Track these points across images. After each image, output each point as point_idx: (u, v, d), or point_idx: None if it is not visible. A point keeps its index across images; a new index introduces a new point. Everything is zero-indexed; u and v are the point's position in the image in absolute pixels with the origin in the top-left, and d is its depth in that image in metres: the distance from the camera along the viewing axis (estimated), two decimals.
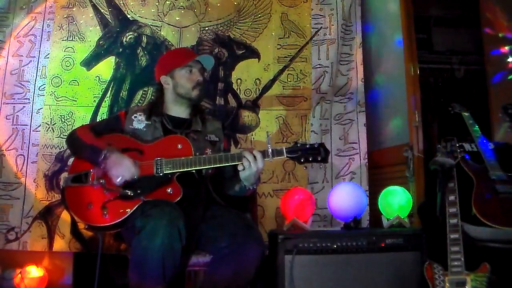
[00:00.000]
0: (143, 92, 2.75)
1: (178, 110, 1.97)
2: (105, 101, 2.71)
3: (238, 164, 1.69)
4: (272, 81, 2.83)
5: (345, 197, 2.33)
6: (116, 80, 2.75)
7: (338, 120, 2.85)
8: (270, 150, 1.69)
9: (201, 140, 1.91)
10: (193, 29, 2.85)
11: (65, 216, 2.50)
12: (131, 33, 2.80)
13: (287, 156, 1.71)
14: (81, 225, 1.81)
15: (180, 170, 1.71)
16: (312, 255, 1.90)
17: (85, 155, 1.77)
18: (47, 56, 2.72)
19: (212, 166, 1.71)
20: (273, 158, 1.70)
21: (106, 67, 2.76)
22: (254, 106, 2.80)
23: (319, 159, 1.70)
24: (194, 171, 1.75)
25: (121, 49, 2.78)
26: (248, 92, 2.82)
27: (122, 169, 1.66)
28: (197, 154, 1.78)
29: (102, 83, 2.74)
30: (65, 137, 2.47)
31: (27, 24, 2.75)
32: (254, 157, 1.67)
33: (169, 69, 1.94)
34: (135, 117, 1.92)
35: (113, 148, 1.72)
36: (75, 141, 1.83)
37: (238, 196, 1.86)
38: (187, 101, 1.95)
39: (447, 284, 1.63)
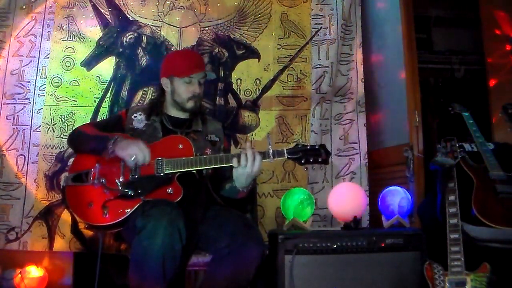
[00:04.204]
0: (143, 92, 2.75)
1: (177, 112, 1.97)
2: (105, 101, 2.71)
3: (233, 160, 1.67)
4: (272, 81, 2.83)
5: (345, 197, 2.33)
6: (116, 80, 2.75)
7: (338, 120, 2.85)
8: (271, 151, 1.69)
9: (201, 140, 1.91)
10: (193, 29, 2.85)
11: (65, 216, 2.51)
12: (131, 33, 2.80)
13: (288, 157, 1.71)
14: (81, 225, 1.81)
15: (180, 170, 1.70)
16: (312, 255, 1.91)
17: (90, 146, 1.75)
18: (47, 56, 2.72)
19: (213, 166, 1.70)
20: (273, 159, 1.69)
21: (106, 67, 2.75)
22: (254, 106, 2.80)
23: (320, 160, 1.70)
24: (194, 171, 1.75)
25: (121, 49, 2.78)
26: (248, 92, 2.82)
27: (135, 148, 1.64)
28: (198, 154, 1.78)
29: (102, 83, 2.74)
30: (66, 137, 2.50)
31: (27, 24, 2.74)
32: (254, 158, 1.66)
33: (169, 74, 1.94)
34: (135, 116, 1.92)
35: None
36: (79, 136, 1.82)
37: (229, 197, 1.86)
38: (182, 109, 1.95)
39: (447, 284, 1.63)
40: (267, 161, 1.69)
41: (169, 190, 1.70)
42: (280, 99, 2.83)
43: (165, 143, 1.81)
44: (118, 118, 1.96)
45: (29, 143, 2.62)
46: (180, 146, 1.78)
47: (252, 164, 1.65)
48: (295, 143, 1.74)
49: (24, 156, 2.61)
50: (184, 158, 1.72)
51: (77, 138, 1.84)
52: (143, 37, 2.81)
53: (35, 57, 2.72)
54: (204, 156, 1.75)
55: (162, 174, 1.70)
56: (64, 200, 1.74)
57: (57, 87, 2.70)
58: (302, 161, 1.70)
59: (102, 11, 2.80)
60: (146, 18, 2.83)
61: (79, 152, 1.83)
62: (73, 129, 1.92)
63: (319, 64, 2.87)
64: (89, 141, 1.76)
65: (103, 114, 2.69)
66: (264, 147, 1.72)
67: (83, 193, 1.71)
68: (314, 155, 1.70)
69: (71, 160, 1.89)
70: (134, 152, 1.64)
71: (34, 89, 2.69)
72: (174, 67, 1.93)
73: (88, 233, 2.44)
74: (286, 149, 1.71)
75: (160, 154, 1.73)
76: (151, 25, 2.82)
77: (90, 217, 1.68)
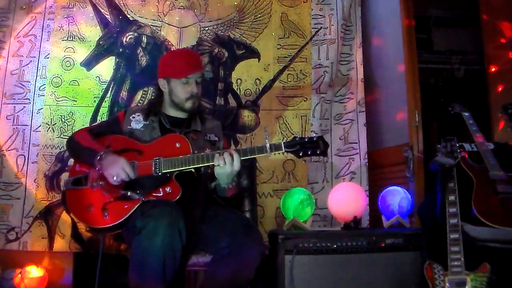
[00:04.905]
0: (143, 92, 2.75)
1: (175, 112, 1.96)
2: (105, 101, 2.72)
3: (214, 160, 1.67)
4: (272, 81, 2.83)
5: (345, 197, 2.33)
6: (116, 80, 2.75)
7: (338, 120, 2.85)
8: (268, 145, 1.67)
9: (201, 140, 1.90)
10: (193, 29, 2.85)
11: (66, 216, 2.50)
12: (131, 33, 2.80)
13: (285, 151, 1.68)
14: (81, 227, 1.81)
15: (178, 169, 1.70)
16: (312, 255, 1.91)
17: (83, 157, 1.78)
18: (47, 56, 2.72)
19: (210, 163, 1.69)
20: (271, 153, 1.67)
21: (106, 67, 2.75)
22: (254, 106, 2.80)
23: (318, 152, 1.67)
24: (193, 170, 1.74)
25: (121, 49, 2.78)
26: (248, 92, 2.82)
27: (117, 168, 1.65)
28: (196, 153, 1.77)
29: (102, 83, 2.74)
30: (66, 137, 2.52)
31: (27, 24, 2.75)
32: (232, 157, 1.66)
33: (166, 75, 1.91)
34: (133, 117, 1.91)
35: (110, 150, 1.72)
36: (73, 144, 1.84)
37: (222, 196, 1.85)
38: (181, 109, 1.93)
39: (447, 284, 1.63)
40: (265, 155, 1.68)
41: (168, 190, 1.69)
42: (280, 99, 2.83)
43: (163, 143, 1.80)
44: (115, 120, 1.95)
45: (29, 143, 2.63)
46: (177, 145, 1.77)
47: (231, 164, 1.66)
48: (293, 136, 1.72)
49: (24, 156, 2.61)
50: (180, 157, 1.71)
51: (72, 147, 1.86)
52: (143, 37, 2.80)
53: (35, 57, 2.72)
54: (201, 154, 1.72)
55: (160, 174, 1.70)
56: (65, 204, 1.74)
57: (57, 87, 2.70)
58: (300, 154, 1.67)
59: (102, 11, 2.80)
60: (146, 18, 2.83)
61: (75, 161, 1.84)
62: (71, 134, 1.92)
63: (319, 64, 2.87)
64: (81, 153, 1.79)
65: (103, 114, 2.69)
66: (263, 143, 1.71)
67: (83, 196, 1.71)
68: (312, 147, 1.67)
69: (71, 160, 1.89)
70: (116, 172, 1.65)
71: (34, 89, 2.69)
72: (170, 69, 1.90)
73: (87, 234, 2.43)
74: (284, 142, 1.69)
75: (158, 153, 1.73)
76: (151, 25, 2.82)
77: (90, 220, 1.68)
